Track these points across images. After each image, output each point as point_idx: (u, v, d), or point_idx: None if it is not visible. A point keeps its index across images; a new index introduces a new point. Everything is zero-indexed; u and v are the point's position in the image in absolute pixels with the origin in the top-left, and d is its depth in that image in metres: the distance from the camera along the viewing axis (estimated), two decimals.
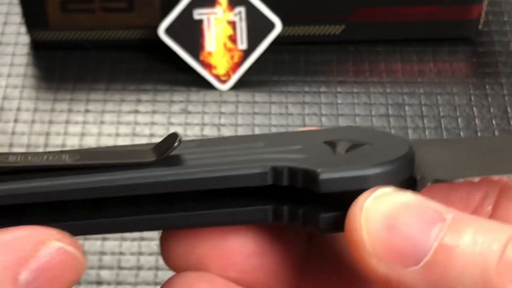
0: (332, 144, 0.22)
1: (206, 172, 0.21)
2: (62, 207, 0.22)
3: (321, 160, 0.22)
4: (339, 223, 0.21)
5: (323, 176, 0.21)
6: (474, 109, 0.52)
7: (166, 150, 0.22)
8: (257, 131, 0.51)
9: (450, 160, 0.23)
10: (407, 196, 0.20)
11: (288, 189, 0.22)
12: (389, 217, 0.20)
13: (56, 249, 0.20)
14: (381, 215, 0.20)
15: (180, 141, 0.22)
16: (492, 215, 0.23)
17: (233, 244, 0.23)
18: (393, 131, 0.51)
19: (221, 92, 0.53)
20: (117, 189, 0.21)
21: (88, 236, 0.40)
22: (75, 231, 0.22)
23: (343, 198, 0.21)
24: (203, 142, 0.23)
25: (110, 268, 0.45)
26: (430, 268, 0.19)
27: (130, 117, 0.52)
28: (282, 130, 0.51)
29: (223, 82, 0.53)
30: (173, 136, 0.22)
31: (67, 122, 0.51)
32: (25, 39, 0.55)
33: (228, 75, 0.52)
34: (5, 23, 0.56)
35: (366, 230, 0.20)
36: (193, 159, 0.22)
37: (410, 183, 0.22)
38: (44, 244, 0.20)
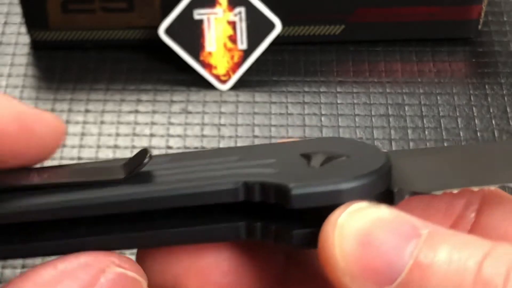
0: (307, 157, 0.22)
1: (175, 189, 0.21)
2: (31, 227, 0.21)
3: (294, 174, 0.21)
4: (313, 239, 0.20)
5: (295, 191, 0.20)
6: (474, 109, 0.52)
7: (136, 167, 0.21)
8: (257, 131, 0.51)
9: (429, 170, 0.22)
10: (382, 211, 0.20)
11: (262, 204, 0.21)
12: (363, 234, 0.19)
13: (117, 275, 0.20)
14: (355, 231, 0.19)
15: (150, 157, 0.21)
16: (475, 223, 0.23)
17: (210, 261, 0.23)
18: (393, 131, 0.51)
19: (221, 92, 0.53)
20: (83, 209, 0.21)
21: None
22: (45, 251, 0.21)
23: (317, 213, 0.20)
24: (176, 157, 0.23)
25: None
26: (405, 287, 0.18)
27: (130, 117, 0.52)
28: (282, 130, 0.51)
29: (223, 82, 0.53)
30: (143, 152, 0.21)
31: (67, 122, 0.51)
32: (25, 39, 0.55)
33: (228, 75, 0.53)
34: (5, 23, 0.56)
35: (339, 247, 0.19)
36: (163, 175, 0.21)
37: (387, 196, 0.21)
38: (105, 271, 0.20)
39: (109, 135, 0.51)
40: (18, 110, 0.21)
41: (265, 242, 0.22)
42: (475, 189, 0.21)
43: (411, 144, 0.50)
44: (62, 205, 0.20)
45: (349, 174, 0.20)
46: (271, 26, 0.53)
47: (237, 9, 0.52)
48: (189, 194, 0.21)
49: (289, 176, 0.21)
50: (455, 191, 0.21)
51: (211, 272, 0.23)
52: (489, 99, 0.53)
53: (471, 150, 0.24)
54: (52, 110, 0.52)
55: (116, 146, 0.50)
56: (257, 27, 0.52)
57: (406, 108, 0.52)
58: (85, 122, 0.51)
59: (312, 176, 0.21)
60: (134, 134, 0.51)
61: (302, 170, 0.21)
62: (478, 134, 0.51)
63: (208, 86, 0.53)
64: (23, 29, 0.55)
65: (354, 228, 0.19)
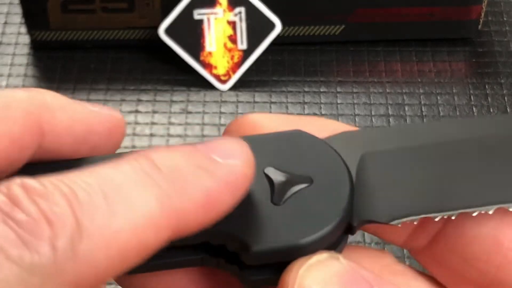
0: (270, 181, 0.21)
1: None
2: None
3: (256, 218, 0.21)
4: (270, 283, 0.21)
5: (255, 248, 0.20)
6: (474, 109, 0.52)
7: None
8: None
9: (393, 187, 0.22)
10: (340, 265, 0.20)
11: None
12: None
13: None
14: (313, 286, 0.19)
15: None
16: (448, 221, 0.22)
17: (176, 273, 0.23)
18: None
19: (221, 92, 0.53)
20: None
21: None
22: None
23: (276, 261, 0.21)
24: None
25: None
26: None
27: (131, 117, 0.52)
28: None
29: (223, 82, 0.53)
30: None
31: None
32: (25, 39, 0.55)
33: (228, 75, 0.53)
34: (5, 23, 0.56)
35: None
36: None
37: (347, 228, 0.21)
38: None
39: None
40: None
41: None
42: (437, 218, 0.21)
43: None
44: None
45: (311, 223, 0.20)
46: (271, 26, 0.53)
47: (237, 9, 0.52)
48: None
49: (250, 224, 0.21)
50: (415, 221, 0.21)
51: (180, 281, 0.23)
52: (489, 99, 0.53)
53: (449, 131, 0.23)
54: None
55: None
56: (257, 27, 0.52)
57: (406, 108, 0.52)
58: None
59: (274, 222, 0.20)
60: (134, 134, 0.51)
61: (265, 208, 0.21)
62: None
63: (208, 86, 0.53)
64: (23, 29, 0.55)
65: (313, 283, 0.19)
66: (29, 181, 0.17)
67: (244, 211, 0.21)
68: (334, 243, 0.21)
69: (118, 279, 0.23)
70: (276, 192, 0.21)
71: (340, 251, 0.21)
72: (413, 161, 0.23)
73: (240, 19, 0.52)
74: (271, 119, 0.23)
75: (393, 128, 0.24)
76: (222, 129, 0.51)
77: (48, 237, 0.16)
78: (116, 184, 0.17)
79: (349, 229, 0.21)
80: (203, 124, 0.51)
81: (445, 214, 0.21)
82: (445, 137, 0.23)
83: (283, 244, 0.20)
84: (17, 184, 0.17)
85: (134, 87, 0.53)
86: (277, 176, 0.21)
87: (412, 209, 0.21)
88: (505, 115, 0.49)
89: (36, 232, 0.16)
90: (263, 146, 0.22)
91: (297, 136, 0.22)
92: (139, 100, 0.52)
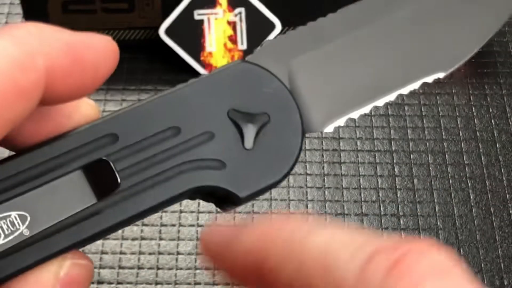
0: (237, 125, 0.23)
1: (142, 206, 0.22)
2: None
3: (235, 165, 0.22)
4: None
5: (243, 195, 0.22)
6: (473, 109, 0.52)
7: (107, 194, 0.22)
8: None
9: (324, 90, 0.24)
10: None
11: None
12: None
13: (72, 265, 0.21)
14: None
15: (119, 184, 0.22)
16: None
17: None
18: (392, 131, 0.51)
19: None
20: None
21: None
22: None
23: None
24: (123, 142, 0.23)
25: (111, 267, 0.45)
26: None
27: None
28: None
29: None
30: (109, 174, 0.22)
31: None
32: None
33: None
34: (6, 24, 0.56)
35: None
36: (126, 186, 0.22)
37: None
38: (62, 266, 0.21)
39: None
40: (66, 42, 0.20)
41: None
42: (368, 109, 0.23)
43: (411, 144, 0.50)
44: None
45: (280, 159, 0.23)
46: (271, 26, 0.53)
47: (237, 10, 0.52)
48: (150, 208, 0.22)
49: (232, 173, 0.22)
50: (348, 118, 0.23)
51: None
52: (488, 99, 0.53)
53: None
54: None
55: None
56: (257, 27, 0.53)
57: (406, 108, 0.52)
58: None
59: (251, 166, 0.22)
60: None
61: (240, 156, 0.23)
62: (478, 133, 0.51)
63: None
64: None
65: None
66: None
67: (222, 160, 0.22)
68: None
69: None
70: (245, 137, 0.23)
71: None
72: (338, 57, 0.25)
73: (240, 20, 0.52)
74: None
75: (309, 27, 0.26)
76: None
77: None
78: None
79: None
80: None
81: (374, 102, 0.23)
82: (360, 24, 0.24)
83: (264, 185, 0.23)
84: None
85: (134, 87, 0.53)
86: (243, 120, 0.23)
87: (345, 106, 0.24)
88: None
89: None
90: (216, 86, 0.23)
91: (243, 69, 0.24)
92: (140, 100, 0.52)
